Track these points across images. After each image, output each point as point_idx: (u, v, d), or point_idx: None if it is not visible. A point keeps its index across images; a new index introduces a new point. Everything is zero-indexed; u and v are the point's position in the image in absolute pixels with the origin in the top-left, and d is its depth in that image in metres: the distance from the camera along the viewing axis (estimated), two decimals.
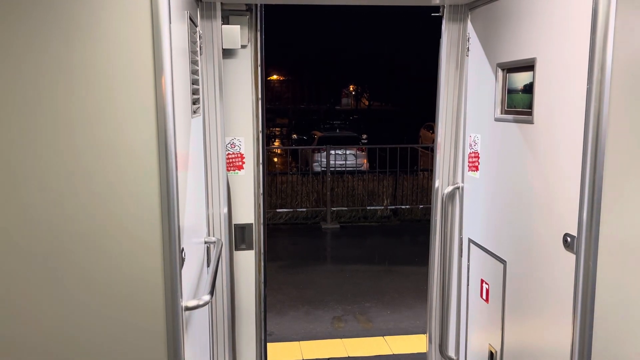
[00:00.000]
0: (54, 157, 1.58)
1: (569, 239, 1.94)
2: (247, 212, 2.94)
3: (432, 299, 3.11)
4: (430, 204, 3.09)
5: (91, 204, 1.61)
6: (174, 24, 1.65)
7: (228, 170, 2.85)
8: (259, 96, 2.85)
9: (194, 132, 2.29)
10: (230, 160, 2.88)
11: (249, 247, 2.97)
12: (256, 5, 2.75)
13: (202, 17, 2.55)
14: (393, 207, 9.53)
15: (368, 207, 9.44)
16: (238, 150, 2.89)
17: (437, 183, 3.00)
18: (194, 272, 2.15)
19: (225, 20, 2.75)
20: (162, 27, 1.56)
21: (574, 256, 1.91)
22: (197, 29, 2.42)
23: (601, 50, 1.74)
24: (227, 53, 2.78)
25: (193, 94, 2.26)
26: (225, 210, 2.76)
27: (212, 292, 1.97)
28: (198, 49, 2.41)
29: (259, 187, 2.93)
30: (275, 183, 9.80)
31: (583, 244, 1.85)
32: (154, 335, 1.69)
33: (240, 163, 2.90)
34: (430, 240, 3.08)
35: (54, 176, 1.58)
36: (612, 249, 1.84)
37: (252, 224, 2.95)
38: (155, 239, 1.64)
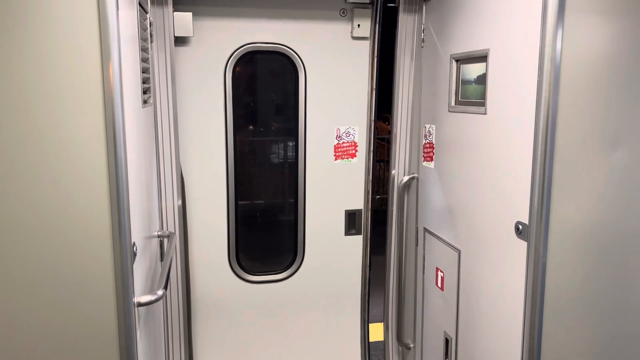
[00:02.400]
0: None
1: (520, 227, 1.99)
2: (357, 198, 3.07)
3: (388, 287, 3.15)
4: (386, 194, 3.13)
5: (35, 196, 1.53)
6: (121, 10, 1.58)
7: (341, 158, 2.99)
8: (374, 86, 2.94)
9: (144, 122, 2.21)
10: (344, 148, 2.99)
11: (358, 232, 3.11)
12: None
13: (152, 3, 2.46)
14: None
15: None
16: (352, 139, 2.99)
17: (393, 173, 3.02)
18: (146, 267, 2.09)
19: (349, 15, 2.80)
20: (109, 13, 1.49)
21: (525, 244, 1.96)
22: (148, 15, 2.34)
23: (551, 42, 1.78)
24: (349, 46, 2.86)
25: (143, 83, 2.18)
26: (180, 202, 2.69)
27: (166, 287, 1.92)
28: (149, 36, 2.33)
29: (368, 174, 3.05)
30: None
31: (534, 231, 1.90)
32: (105, 332, 1.63)
33: (354, 151, 3.01)
34: (387, 230, 3.11)
35: None
36: (562, 236, 1.90)
37: (361, 209, 3.08)
38: (105, 233, 1.57)
